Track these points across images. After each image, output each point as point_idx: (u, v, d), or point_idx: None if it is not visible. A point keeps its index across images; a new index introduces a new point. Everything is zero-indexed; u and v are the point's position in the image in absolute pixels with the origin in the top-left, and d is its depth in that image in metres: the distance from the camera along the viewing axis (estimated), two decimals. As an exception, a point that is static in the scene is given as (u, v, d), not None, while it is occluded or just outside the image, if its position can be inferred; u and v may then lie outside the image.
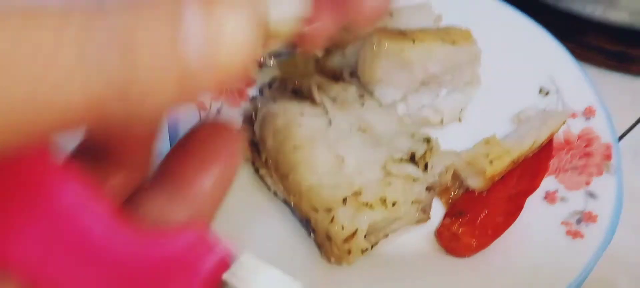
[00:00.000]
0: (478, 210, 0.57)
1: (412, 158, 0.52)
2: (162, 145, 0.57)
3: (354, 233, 0.48)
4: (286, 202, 0.56)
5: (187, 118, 0.57)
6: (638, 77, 0.76)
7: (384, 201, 0.50)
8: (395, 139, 0.54)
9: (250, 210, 0.55)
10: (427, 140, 0.54)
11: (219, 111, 0.60)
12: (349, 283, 0.52)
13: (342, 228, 0.49)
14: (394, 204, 0.50)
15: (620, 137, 0.71)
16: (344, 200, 0.50)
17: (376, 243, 0.55)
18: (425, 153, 0.53)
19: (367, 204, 0.50)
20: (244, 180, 0.57)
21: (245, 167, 0.58)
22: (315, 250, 0.54)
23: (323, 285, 0.51)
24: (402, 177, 0.51)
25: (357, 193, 0.50)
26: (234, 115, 0.61)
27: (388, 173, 0.52)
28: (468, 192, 0.59)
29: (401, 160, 0.52)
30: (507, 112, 0.66)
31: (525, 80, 0.67)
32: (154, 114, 0.19)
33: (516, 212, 0.58)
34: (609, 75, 0.76)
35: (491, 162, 0.56)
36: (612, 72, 0.76)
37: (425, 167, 0.52)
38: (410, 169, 0.52)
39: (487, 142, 0.58)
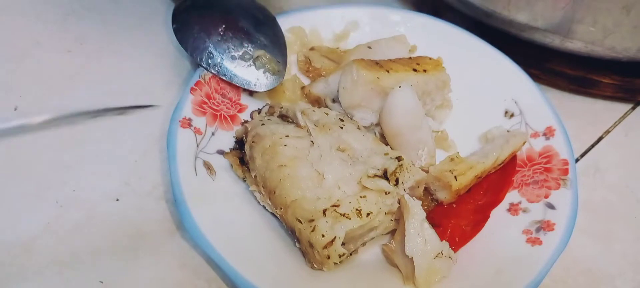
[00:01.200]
0: (448, 221, 0.63)
1: (385, 175, 0.59)
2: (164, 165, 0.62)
3: (333, 241, 0.54)
4: (274, 215, 0.62)
5: (184, 140, 0.63)
6: (598, 99, 0.83)
7: (359, 212, 0.56)
8: (370, 157, 0.61)
9: (242, 223, 0.61)
10: (398, 158, 0.60)
11: (213, 134, 0.66)
12: (331, 286, 0.58)
13: (322, 236, 0.55)
14: (368, 215, 0.56)
15: (583, 155, 0.77)
16: (324, 212, 0.56)
17: (355, 251, 0.61)
18: (396, 169, 0.59)
19: (344, 215, 0.56)
20: (237, 196, 0.63)
21: (238, 183, 0.64)
22: (300, 257, 0.60)
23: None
24: (375, 191, 0.58)
25: (335, 206, 0.56)
26: (226, 138, 0.67)
27: (363, 188, 0.58)
28: (439, 204, 0.65)
29: (375, 176, 0.58)
30: (475, 133, 0.73)
31: (492, 103, 0.74)
32: None
33: (482, 222, 0.64)
34: (571, 98, 0.83)
35: (456, 177, 0.62)
36: (574, 95, 0.83)
37: (397, 182, 0.58)
38: (383, 184, 0.58)
39: (451, 159, 0.64)
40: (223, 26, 0.70)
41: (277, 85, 0.70)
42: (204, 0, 0.74)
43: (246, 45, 0.70)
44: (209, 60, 0.69)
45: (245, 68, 0.69)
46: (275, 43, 0.72)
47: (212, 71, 0.69)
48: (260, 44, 0.71)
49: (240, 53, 0.70)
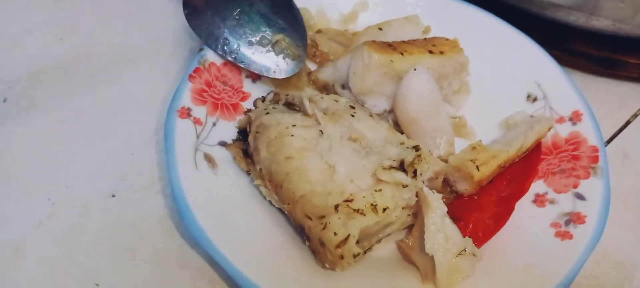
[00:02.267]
0: (469, 215, 0.59)
1: (402, 166, 0.54)
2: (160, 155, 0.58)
3: (346, 239, 0.50)
4: (281, 211, 0.57)
5: (182, 131, 0.59)
6: (624, 81, 0.78)
7: (374, 207, 0.52)
8: (385, 147, 0.56)
9: (247, 220, 0.56)
10: (416, 148, 0.56)
11: (214, 125, 0.62)
12: (344, 287, 0.53)
13: (335, 234, 0.50)
14: (384, 210, 0.52)
15: (609, 140, 0.72)
16: (336, 208, 0.51)
17: (370, 249, 0.56)
18: (413, 160, 0.54)
19: (358, 211, 0.51)
20: (240, 191, 0.59)
21: (242, 177, 0.60)
22: (310, 256, 0.55)
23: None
24: (392, 183, 0.53)
25: (348, 201, 0.52)
26: (229, 128, 0.63)
27: (378, 181, 0.53)
28: (459, 196, 0.61)
29: (391, 167, 0.54)
30: (496, 119, 0.68)
31: (513, 87, 0.69)
32: None
33: (506, 215, 0.59)
34: (595, 81, 0.78)
35: (478, 167, 0.57)
36: (598, 78, 0.78)
37: (415, 173, 0.54)
38: (400, 176, 0.53)
39: (473, 147, 0.60)
40: (238, 10, 0.65)
41: (298, 70, 0.66)
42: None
43: (264, 29, 0.66)
44: (225, 47, 0.64)
45: (263, 54, 0.65)
46: (294, 25, 0.67)
47: (229, 58, 0.64)
48: (278, 27, 0.66)
49: (257, 38, 0.65)
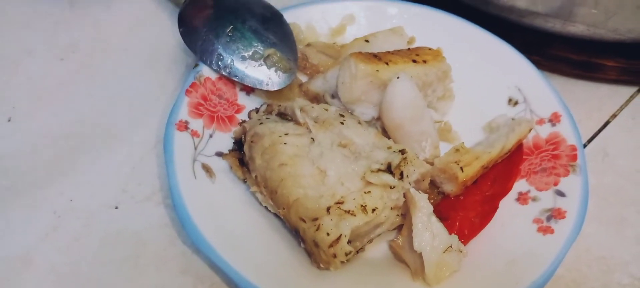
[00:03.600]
0: (456, 214, 0.62)
1: (389, 169, 0.57)
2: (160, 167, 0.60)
3: (338, 239, 0.53)
4: (277, 216, 0.60)
5: (181, 143, 0.62)
6: (603, 83, 0.81)
7: (364, 208, 0.54)
8: (373, 151, 0.59)
9: (245, 225, 0.59)
10: (402, 152, 0.59)
11: (211, 136, 0.65)
12: (339, 286, 0.56)
13: (327, 235, 0.53)
14: (373, 210, 0.55)
15: (590, 140, 0.76)
16: (328, 210, 0.54)
17: (362, 249, 0.59)
18: (400, 163, 0.57)
19: (349, 212, 0.54)
20: (238, 198, 0.61)
21: (238, 185, 0.63)
22: (305, 258, 0.58)
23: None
24: (380, 185, 0.56)
25: (339, 203, 0.55)
26: (225, 139, 0.66)
27: (367, 183, 0.56)
28: (446, 197, 0.64)
29: (379, 170, 0.57)
30: (479, 123, 0.71)
31: (495, 92, 0.73)
32: None
33: (491, 213, 0.62)
34: (575, 84, 0.81)
35: (462, 168, 0.60)
36: (577, 81, 0.81)
37: (401, 175, 0.57)
38: (387, 178, 0.56)
39: (456, 150, 0.63)
40: (231, 26, 0.69)
41: (289, 82, 0.69)
42: (209, 1, 0.72)
43: (256, 44, 0.69)
44: (219, 62, 0.68)
45: (256, 68, 0.68)
46: (285, 40, 0.70)
47: (223, 73, 0.68)
48: (269, 42, 0.69)
49: (250, 53, 0.69)
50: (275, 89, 0.69)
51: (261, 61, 0.68)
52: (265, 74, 0.68)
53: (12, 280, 0.59)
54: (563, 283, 0.63)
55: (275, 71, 0.68)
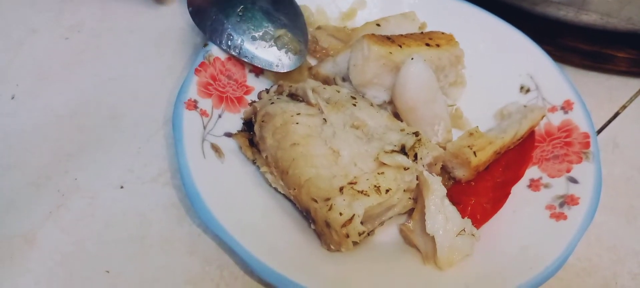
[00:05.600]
0: (468, 199, 0.61)
1: (403, 150, 0.56)
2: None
3: (351, 219, 0.52)
4: (287, 197, 0.59)
5: (190, 122, 0.61)
6: (613, 74, 0.80)
7: (378, 189, 0.53)
8: (386, 133, 0.58)
9: (254, 205, 0.58)
10: (416, 134, 0.58)
11: (220, 116, 0.64)
12: (348, 268, 0.55)
13: (340, 214, 0.52)
14: (387, 191, 0.54)
15: (600, 131, 0.75)
16: (341, 190, 0.53)
17: (372, 232, 0.58)
18: (414, 144, 0.56)
19: (362, 192, 0.53)
20: (247, 179, 0.60)
21: (247, 166, 0.62)
22: (315, 239, 0.57)
23: (324, 272, 0.54)
24: (394, 166, 0.55)
25: (352, 183, 0.54)
26: (233, 120, 0.65)
27: (381, 164, 0.55)
28: (457, 183, 0.63)
29: (392, 151, 0.56)
30: (491, 110, 0.70)
31: (507, 79, 0.72)
32: None
33: (503, 199, 0.61)
34: (585, 74, 0.81)
35: (475, 152, 0.60)
36: (588, 71, 0.81)
37: (415, 157, 0.56)
38: (402, 159, 0.55)
39: (470, 134, 0.62)
40: (241, 6, 0.68)
41: (300, 64, 0.68)
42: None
43: (266, 25, 0.68)
44: (229, 42, 0.67)
45: (266, 49, 0.68)
46: (296, 22, 0.69)
47: (233, 53, 0.67)
48: (280, 23, 0.68)
49: (260, 33, 0.68)
50: (285, 71, 0.68)
51: (271, 42, 0.67)
52: (275, 55, 0.67)
53: (16, 258, 0.57)
54: (574, 272, 0.62)
55: (286, 52, 0.68)
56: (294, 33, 0.68)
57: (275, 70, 0.67)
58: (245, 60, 0.67)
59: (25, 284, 0.56)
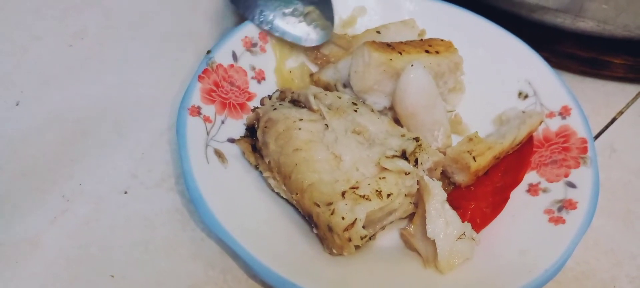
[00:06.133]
0: (467, 204, 0.62)
1: (404, 155, 0.57)
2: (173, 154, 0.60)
3: (354, 223, 0.53)
4: (289, 202, 0.60)
5: (194, 128, 0.61)
6: (610, 80, 0.82)
7: (379, 193, 0.54)
8: (387, 139, 0.59)
9: (257, 210, 0.59)
10: (416, 139, 0.59)
11: (223, 123, 0.65)
12: (350, 271, 0.56)
13: (342, 219, 0.53)
14: (388, 196, 0.55)
15: (597, 136, 0.76)
16: (343, 194, 0.54)
17: (374, 236, 0.59)
18: (415, 149, 0.57)
19: (364, 196, 0.54)
20: (250, 184, 0.61)
21: (250, 172, 0.63)
22: (317, 244, 0.58)
23: (326, 275, 0.55)
24: (395, 171, 0.56)
25: (354, 188, 0.55)
26: (236, 126, 0.66)
27: (382, 169, 0.56)
28: (457, 188, 0.64)
29: (393, 156, 0.57)
30: (489, 115, 0.71)
31: (505, 85, 0.73)
32: None
33: (502, 203, 0.62)
34: (582, 81, 0.82)
35: (475, 157, 0.60)
36: (585, 78, 0.82)
37: (416, 162, 0.57)
38: (403, 164, 0.56)
39: (470, 139, 0.63)
40: None
41: (326, 40, 0.73)
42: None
43: (296, 2, 0.72)
44: (261, 18, 0.71)
45: (295, 24, 0.71)
46: (324, 1, 0.73)
47: (265, 28, 0.71)
48: (309, 0, 0.72)
49: (290, 10, 0.72)
50: (313, 45, 0.72)
51: (301, 18, 0.71)
52: (304, 31, 0.72)
53: (21, 262, 0.58)
54: (572, 276, 0.63)
55: (314, 28, 0.72)
56: (322, 10, 0.72)
57: (303, 44, 0.72)
58: (276, 34, 0.71)
59: (31, 288, 0.56)
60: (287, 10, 0.71)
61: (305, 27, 0.71)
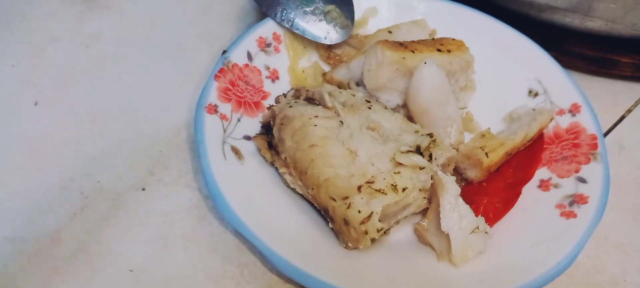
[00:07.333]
0: (480, 199, 0.63)
1: (418, 150, 0.58)
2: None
3: (370, 216, 0.54)
4: (304, 197, 0.61)
5: (211, 125, 0.63)
6: (618, 79, 0.83)
7: (395, 187, 0.55)
8: (401, 135, 0.60)
9: (274, 205, 0.60)
10: (430, 135, 0.60)
11: (239, 120, 0.66)
12: (365, 264, 0.57)
13: (359, 212, 0.54)
14: (404, 190, 0.56)
15: (606, 133, 0.77)
16: (359, 188, 0.55)
17: (388, 230, 0.60)
18: (429, 145, 0.58)
19: (380, 191, 0.55)
20: (266, 180, 0.62)
21: (266, 168, 0.64)
22: (333, 238, 0.59)
23: (343, 268, 0.56)
24: (410, 166, 0.57)
25: (370, 182, 0.56)
26: (252, 124, 0.67)
27: (397, 164, 0.57)
28: (469, 184, 0.65)
29: (408, 152, 0.58)
30: (500, 113, 0.72)
31: (516, 84, 0.74)
32: None
33: (514, 198, 0.63)
34: (591, 79, 0.83)
35: (487, 154, 0.62)
36: (593, 77, 0.83)
37: (430, 157, 0.58)
38: (417, 159, 0.57)
39: (482, 135, 0.64)
40: None
41: (346, 38, 0.74)
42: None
43: (317, 1, 0.73)
44: (283, 16, 0.72)
45: (316, 23, 0.73)
46: (344, 0, 0.75)
47: (286, 25, 0.72)
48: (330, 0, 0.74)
49: (311, 8, 0.73)
50: (333, 44, 0.73)
51: (321, 16, 0.73)
52: (324, 29, 0.73)
53: (42, 257, 0.59)
54: (583, 270, 0.64)
55: (334, 27, 0.73)
56: (342, 9, 0.74)
57: (323, 42, 0.73)
58: (297, 32, 0.73)
59: (52, 283, 0.57)
60: (308, 9, 0.72)
61: (325, 25, 0.73)
